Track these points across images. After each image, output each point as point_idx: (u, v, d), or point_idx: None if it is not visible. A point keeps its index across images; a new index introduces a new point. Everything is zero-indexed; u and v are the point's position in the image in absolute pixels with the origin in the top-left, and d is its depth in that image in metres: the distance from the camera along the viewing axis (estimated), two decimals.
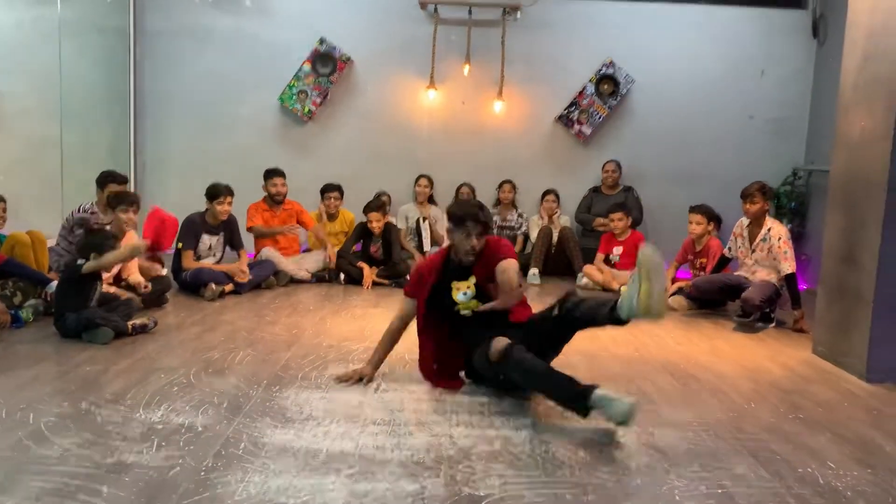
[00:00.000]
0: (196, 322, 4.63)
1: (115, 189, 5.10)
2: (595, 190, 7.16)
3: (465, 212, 3.34)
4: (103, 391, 3.14)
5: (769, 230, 5.19)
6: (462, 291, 3.39)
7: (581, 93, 7.17)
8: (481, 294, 3.38)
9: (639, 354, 4.24)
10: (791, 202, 6.98)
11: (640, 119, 7.32)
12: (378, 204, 6.32)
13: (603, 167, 7.08)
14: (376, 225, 6.24)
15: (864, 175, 3.97)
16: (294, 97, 7.15)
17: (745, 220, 5.37)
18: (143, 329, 4.17)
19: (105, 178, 5.19)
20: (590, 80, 7.15)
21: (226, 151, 7.26)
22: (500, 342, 3.05)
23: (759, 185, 5.28)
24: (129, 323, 4.14)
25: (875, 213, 3.82)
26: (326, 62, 7.12)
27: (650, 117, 7.29)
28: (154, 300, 4.92)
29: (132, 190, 7.14)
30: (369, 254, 6.32)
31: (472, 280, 3.39)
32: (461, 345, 3.46)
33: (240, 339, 4.20)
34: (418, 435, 2.78)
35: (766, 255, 5.17)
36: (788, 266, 5.02)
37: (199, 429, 2.74)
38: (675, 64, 7.22)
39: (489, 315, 3.29)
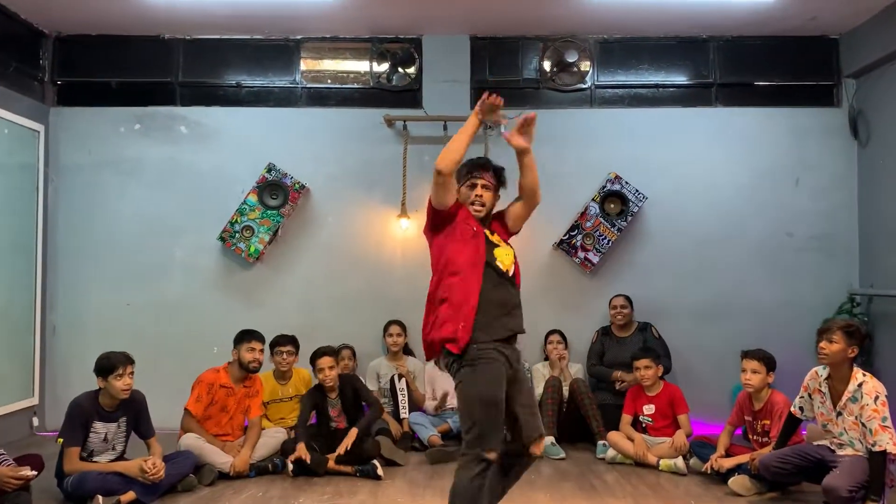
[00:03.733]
0: None
1: None
2: (605, 332, 5.79)
3: (471, 161, 3.28)
4: None
5: (860, 385, 3.82)
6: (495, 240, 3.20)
7: (584, 214, 5.97)
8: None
9: None
10: None
11: (655, 242, 6.08)
12: (328, 350, 4.96)
13: (610, 303, 5.77)
14: (329, 374, 4.84)
15: None
16: (237, 235, 5.92)
17: (822, 372, 4.02)
18: None
19: None
20: (593, 199, 5.98)
21: (155, 305, 5.96)
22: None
23: (844, 322, 3.98)
24: None
25: None
26: (276, 192, 5.93)
27: (667, 240, 6.07)
28: None
29: (37, 360, 5.81)
30: (330, 427, 4.88)
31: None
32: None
33: None
34: None
35: (856, 423, 3.79)
36: (888, 439, 3.64)
37: None
38: (691, 177, 6.08)
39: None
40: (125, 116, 6.11)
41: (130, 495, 3.96)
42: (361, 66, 6.24)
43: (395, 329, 5.71)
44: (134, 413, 4.29)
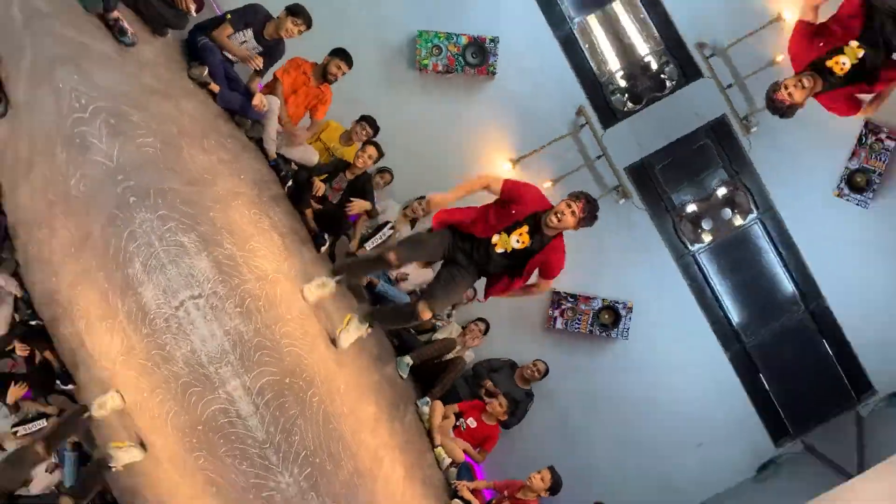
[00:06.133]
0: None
1: None
2: (511, 368, 6.72)
3: (583, 193, 4.25)
4: None
5: None
6: (517, 237, 4.20)
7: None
8: (518, 256, 4.24)
9: None
10: None
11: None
12: (379, 145, 5.65)
13: (533, 361, 6.65)
14: (366, 161, 5.50)
15: None
16: (429, 46, 6.73)
17: None
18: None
19: None
20: None
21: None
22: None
23: None
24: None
25: None
26: (478, 55, 6.74)
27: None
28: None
29: None
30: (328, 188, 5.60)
31: (529, 243, 4.20)
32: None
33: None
34: None
35: None
36: None
37: None
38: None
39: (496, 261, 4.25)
40: None
41: (216, 87, 4.91)
42: None
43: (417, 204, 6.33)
44: (270, 55, 5.22)
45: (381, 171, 6.43)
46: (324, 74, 5.68)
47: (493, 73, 6.83)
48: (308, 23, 5.10)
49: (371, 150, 5.60)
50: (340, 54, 5.66)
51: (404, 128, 6.71)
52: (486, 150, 6.88)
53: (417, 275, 6.45)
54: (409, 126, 6.81)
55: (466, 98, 6.97)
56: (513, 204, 4.27)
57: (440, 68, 6.81)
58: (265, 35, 5.14)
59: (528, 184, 4.48)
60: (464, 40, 6.75)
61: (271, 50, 5.25)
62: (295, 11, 5.06)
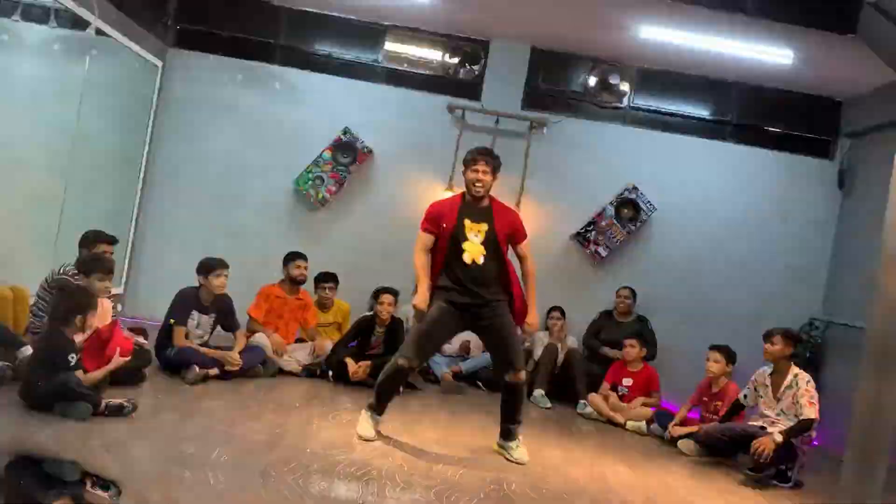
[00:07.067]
0: (173, 406, 4.28)
1: (103, 249, 4.82)
2: (607, 315, 6.87)
3: (476, 149, 4.29)
4: None
5: (796, 376, 4.90)
6: (474, 233, 4.14)
7: (600, 214, 7.03)
8: (490, 243, 4.15)
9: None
10: (807, 351, 6.70)
11: (657, 249, 7.15)
12: (392, 290, 5.91)
13: (617, 292, 6.84)
14: (387, 309, 5.82)
15: None
16: (309, 182, 6.99)
17: (767, 369, 5.09)
18: (118, 411, 3.80)
19: (94, 238, 4.90)
20: (610, 203, 7.02)
21: (231, 228, 7.00)
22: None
23: (783, 329, 5.05)
24: (105, 401, 3.78)
25: None
26: (347, 151, 7.00)
27: (667, 248, 7.12)
28: (131, 375, 4.55)
29: (127, 257, 6.91)
30: (365, 350, 5.88)
31: (485, 226, 4.15)
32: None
33: (217, 434, 3.83)
34: None
35: (792, 404, 4.85)
36: (813, 411, 4.70)
37: None
38: (697, 198, 7.11)
39: (485, 276, 4.16)
40: (230, 65, 7.14)
41: (215, 371, 5.08)
42: (435, 55, 7.28)
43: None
44: (224, 310, 5.40)
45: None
46: (292, 282, 5.94)
47: (370, 151, 7.05)
48: (224, 266, 5.28)
49: (385, 297, 5.85)
50: (291, 258, 6.01)
51: (344, 248, 7.05)
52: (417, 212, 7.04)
53: (457, 338, 6.41)
54: (347, 246, 7.09)
55: (371, 184, 7.19)
56: (441, 226, 4.18)
57: (334, 189, 7.03)
58: (205, 304, 5.30)
59: (431, 204, 4.43)
60: (327, 154, 6.98)
61: (222, 310, 5.40)
62: (207, 267, 5.25)
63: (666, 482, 4.39)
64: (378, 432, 4.25)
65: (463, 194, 4.31)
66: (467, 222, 4.17)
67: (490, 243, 4.18)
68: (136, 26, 6.48)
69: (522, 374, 4.22)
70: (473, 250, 4.15)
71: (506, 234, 4.24)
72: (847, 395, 5.82)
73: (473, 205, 4.24)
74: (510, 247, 4.32)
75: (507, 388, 4.23)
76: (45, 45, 5.58)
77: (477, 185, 4.19)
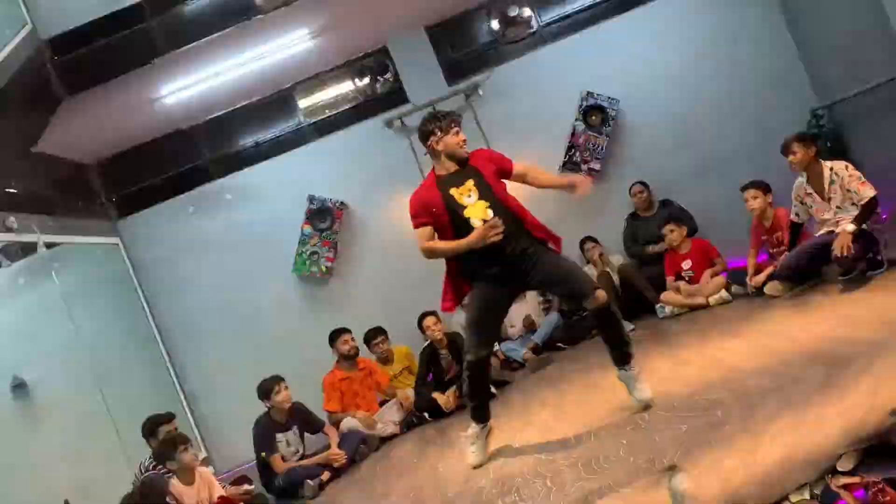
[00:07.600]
0: None
1: (167, 430, 4.82)
2: (633, 217, 6.77)
3: (443, 113, 3.95)
4: None
5: (832, 169, 4.79)
6: (466, 195, 3.78)
7: (573, 134, 6.93)
8: (486, 192, 3.79)
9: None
10: (826, 142, 6.57)
11: (641, 132, 7.02)
12: (429, 312, 5.84)
13: (630, 191, 6.74)
14: (436, 330, 5.77)
15: None
16: (307, 263, 6.95)
17: (802, 179, 4.98)
18: None
19: (153, 425, 4.90)
20: (576, 119, 6.92)
21: (261, 341, 6.94)
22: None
23: (795, 135, 4.95)
24: None
25: None
26: (323, 216, 6.94)
27: (649, 126, 7.00)
28: None
29: (192, 422, 6.88)
30: (443, 378, 5.87)
31: (471, 182, 3.80)
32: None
33: None
34: None
35: (844, 196, 4.73)
36: (868, 188, 4.59)
37: None
38: (648, 67, 6.99)
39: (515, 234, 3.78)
40: (177, 204, 7.13)
41: (327, 475, 5.05)
42: (347, 87, 7.22)
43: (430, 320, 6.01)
44: (302, 417, 5.37)
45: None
46: (346, 359, 5.93)
47: (343, 204, 7.00)
48: (280, 380, 5.29)
49: (428, 320, 5.83)
50: (335, 336, 6.00)
51: (370, 298, 7.04)
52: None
53: (516, 316, 6.48)
54: (372, 296, 7.07)
55: (361, 230, 7.15)
56: (432, 211, 3.88)
57: (332, 255, 6.98)
58: (283, 423, 5.27)
59: (410, 200, 4.02)
60: (307, 229, 6.93)
61: (300, 419, 5.40)
62: (266, 390, 5.26)
63: (781, 329, 4.29)
64: (485, 451, 4.08)
65: (432, 172, 3.99)
66: (454, 191, 3.83)
67: (486, 192, 3.83)
68: (78, 220, 6.48)
69: (601, 294, 3.75)
70: (477, 211, 3.80)
71: (493, 172, 3.91)
72: (890, 154, 5.75)
73: (448, 173, 3.92)
74: (506, 182, 3.99)
75: (596, 316, 3.85)
76: (10, 284, 5.57)
77: (464, 144, 3.93)
